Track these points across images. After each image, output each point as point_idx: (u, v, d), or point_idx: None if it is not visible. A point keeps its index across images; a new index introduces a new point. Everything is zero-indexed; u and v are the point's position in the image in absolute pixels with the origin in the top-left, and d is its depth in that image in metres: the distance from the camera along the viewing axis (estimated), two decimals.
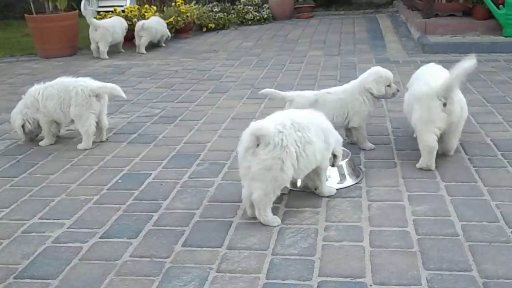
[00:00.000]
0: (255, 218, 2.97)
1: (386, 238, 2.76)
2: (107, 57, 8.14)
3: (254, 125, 2.88)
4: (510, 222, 2.85)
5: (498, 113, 4.68)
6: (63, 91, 4.27)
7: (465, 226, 2.83)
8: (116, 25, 8.27)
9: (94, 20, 8.10)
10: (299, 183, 3.37)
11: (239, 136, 4.31)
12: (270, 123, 2.92)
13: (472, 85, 5.60)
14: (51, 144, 4.42)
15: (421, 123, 3.58)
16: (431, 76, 3.72)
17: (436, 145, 3.56)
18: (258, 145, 2.87)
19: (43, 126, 4.39)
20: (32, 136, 4.51)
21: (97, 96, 4.25)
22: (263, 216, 2.93)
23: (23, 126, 4.37)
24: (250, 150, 2.89)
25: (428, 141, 3.54)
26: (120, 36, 8.41)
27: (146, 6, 9.51)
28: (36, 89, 4.37)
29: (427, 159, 3.58)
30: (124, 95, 4.42)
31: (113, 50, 8.47)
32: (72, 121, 4.35)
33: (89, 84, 4.29)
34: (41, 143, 4.43)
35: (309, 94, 3.97)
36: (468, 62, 3.43)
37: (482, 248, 2.63)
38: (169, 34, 9.09)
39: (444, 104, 3.48)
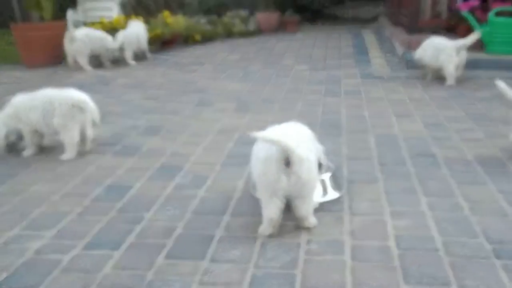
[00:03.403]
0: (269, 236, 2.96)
1: (367, 252, 2.78)
2: (89, 68, 8.07)
3: (284, 148, 2.78)
4: (490, 238, 2.88)
5: (480, 129, 4.73)
6: (48, 103, 4.24)
7: (446, 242, 2.86)
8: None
9: (75, 33, 7.89)
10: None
11: (223, 149, 4.38)
12: (292, 142, 2.82)
13: (454, 102, 5.68)
14: (34, 155, 4.39)
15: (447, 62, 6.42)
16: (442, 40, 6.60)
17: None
18: (287, 163, 2.81)
19: (25, 136, 4.35)
20: (13, 147, 4.46)
21: (81, 108, 4.23)
22: (309, 224, 3.02)
23: (6, 136, 4.34)
24: (281, 170, 2.82)
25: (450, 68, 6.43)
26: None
27: (133, 16, 9.51)
28: (20, 99, 4.33)
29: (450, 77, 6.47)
30: (97, 121, 4.37)
31: (94, 62, 8.42)
32: (56, 132, 4.32)
33: (74, 95, 4.27)
34: (23, 153, 4.40)
35: None
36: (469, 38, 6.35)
37: (462, 263, 2.66)
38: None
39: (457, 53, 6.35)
